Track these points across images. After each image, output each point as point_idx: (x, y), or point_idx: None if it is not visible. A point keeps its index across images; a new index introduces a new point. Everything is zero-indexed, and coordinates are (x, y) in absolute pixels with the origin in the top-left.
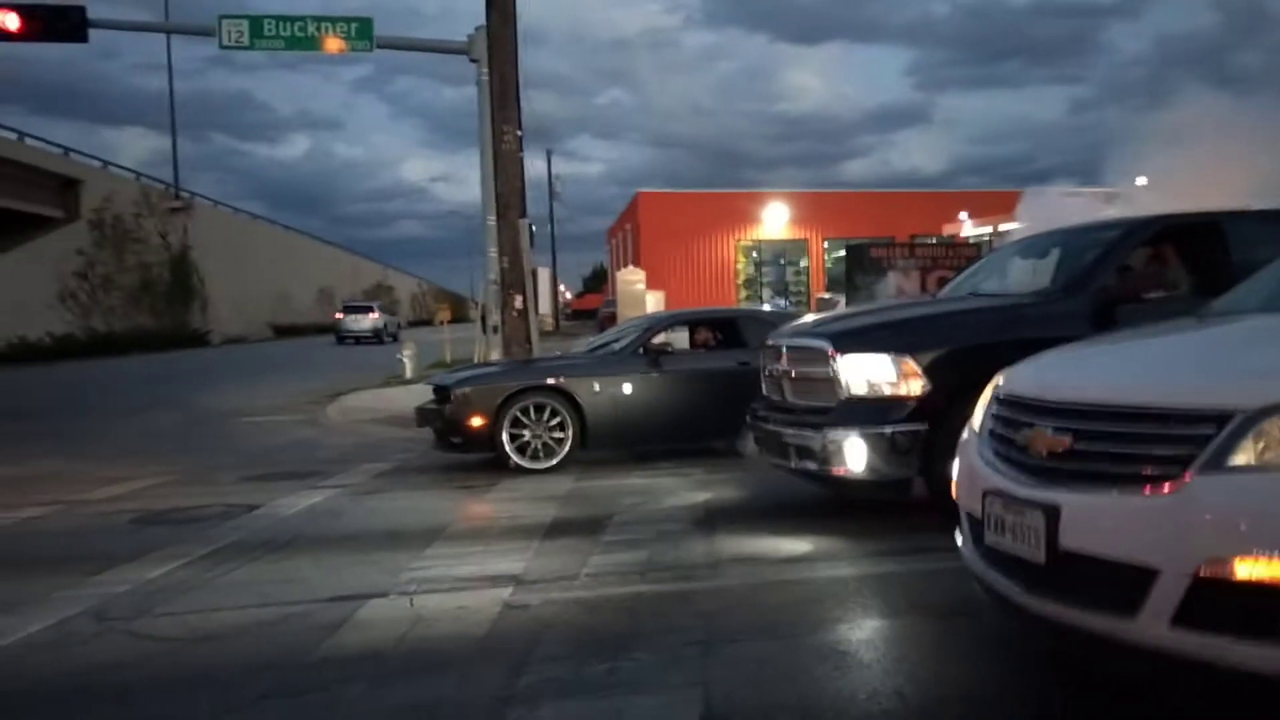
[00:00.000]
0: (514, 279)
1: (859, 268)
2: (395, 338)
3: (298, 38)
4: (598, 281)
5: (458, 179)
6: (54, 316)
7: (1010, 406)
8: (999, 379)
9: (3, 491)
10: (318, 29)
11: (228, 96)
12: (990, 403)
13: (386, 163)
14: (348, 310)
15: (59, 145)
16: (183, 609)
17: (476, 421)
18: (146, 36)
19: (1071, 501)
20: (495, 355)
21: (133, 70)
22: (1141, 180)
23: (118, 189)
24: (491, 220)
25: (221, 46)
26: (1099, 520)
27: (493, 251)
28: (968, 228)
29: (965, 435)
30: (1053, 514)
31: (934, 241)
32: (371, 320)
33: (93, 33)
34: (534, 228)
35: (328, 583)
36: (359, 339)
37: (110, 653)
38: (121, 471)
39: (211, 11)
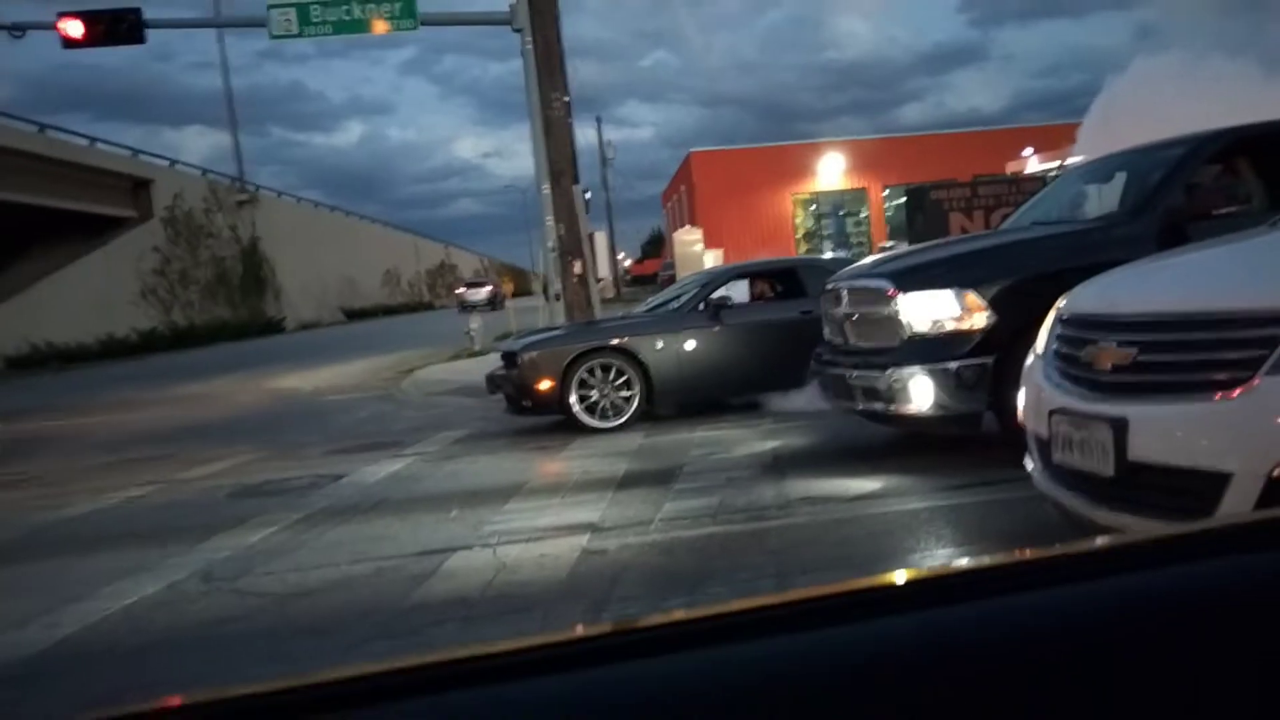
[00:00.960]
0: (571, 245)
1: (920, 212)
2: (503, 305)
3: (344, 21)
4: (656, 247)
5: (510, 153)
6: (137, 313)
7: (1075, 325)
8: (1063, 300)
9: (106, 475)
10: (363, 10)
11: (281, 89)
12: (1054, 324)
13: (439, 142)
14: (469, 285)
15: (127, 147)
16: (282, 569)
17: (545, 384)
18: (198, 36)
19: (1139, 413)
20: (559, 320)
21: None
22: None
23: (186, 186)
24: (546, 189)
25: (272, 36)
26: (1168, 430)
27: (549, 220)
28: (1033, 164)
29: (1030, 360)
30: (1120, 427)
31: (998, 180)
32: (487, 292)
33: (150, 34)
34: (588, 194)
35: (415, 539)
36: (476, 307)
37: (218, 609)
38: (216, 451)
39: (257, 6)
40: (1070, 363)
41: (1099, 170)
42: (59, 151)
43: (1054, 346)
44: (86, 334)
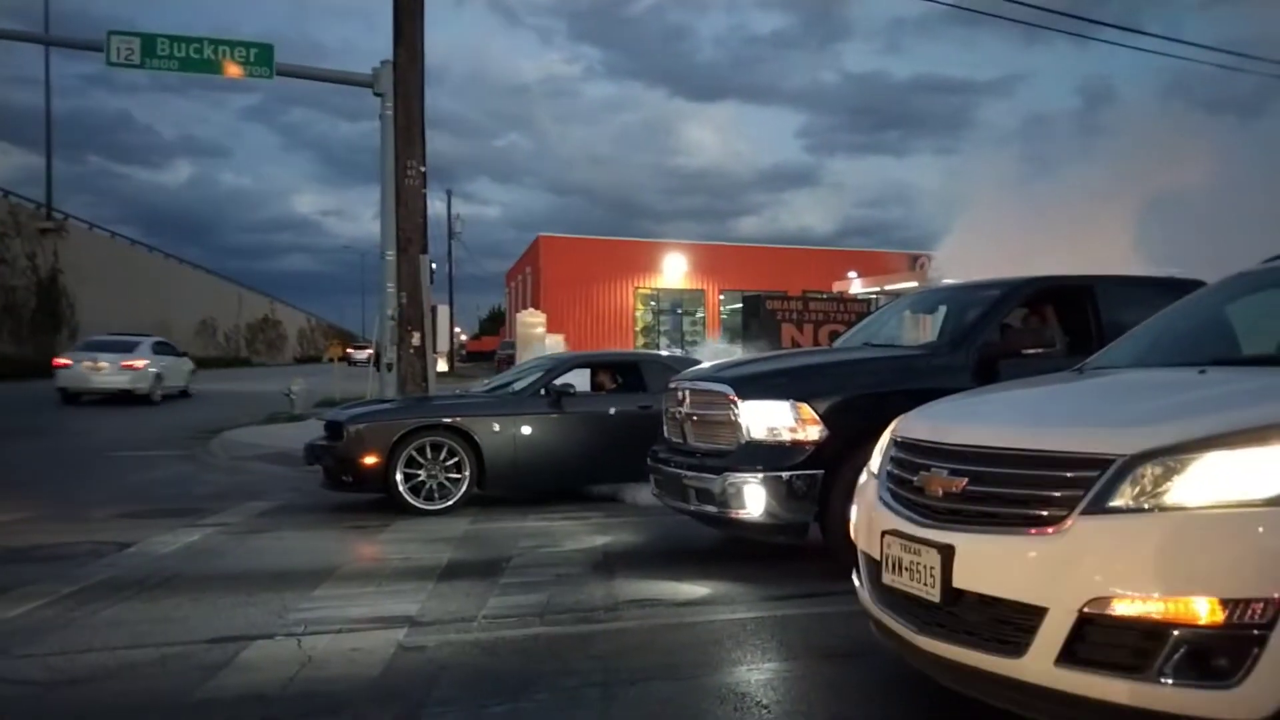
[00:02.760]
0: (413, 315)
1: (755, 319)
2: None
3: (193, 59)
4: (494, 324)
5: (351, 214)
6: None
7: (907, 450)
8: (896, 424)
9: None
10: (215, 52)
11: (106, 117)
12: (888, 447)
13: (276, 194)
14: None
15: None
16: (46, 650)
17: (370, 459)
18: (17, 49)
19: (965, 541)
20: (389, 393)
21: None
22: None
23: None
24: (391, 255)
25: (109, 63)
26: (990, 560)
27: (391, 287)
28: (856, 285)
29: (863, 479)
30: (948, 553)
31: (825, 297)
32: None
33: None
34: (434, 265)
35: (208, 623)
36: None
37: None
38: None
39: (94, 27)
40: (903, 486)
41: (923, 301)
42: None
43: (888, 469)
44: None
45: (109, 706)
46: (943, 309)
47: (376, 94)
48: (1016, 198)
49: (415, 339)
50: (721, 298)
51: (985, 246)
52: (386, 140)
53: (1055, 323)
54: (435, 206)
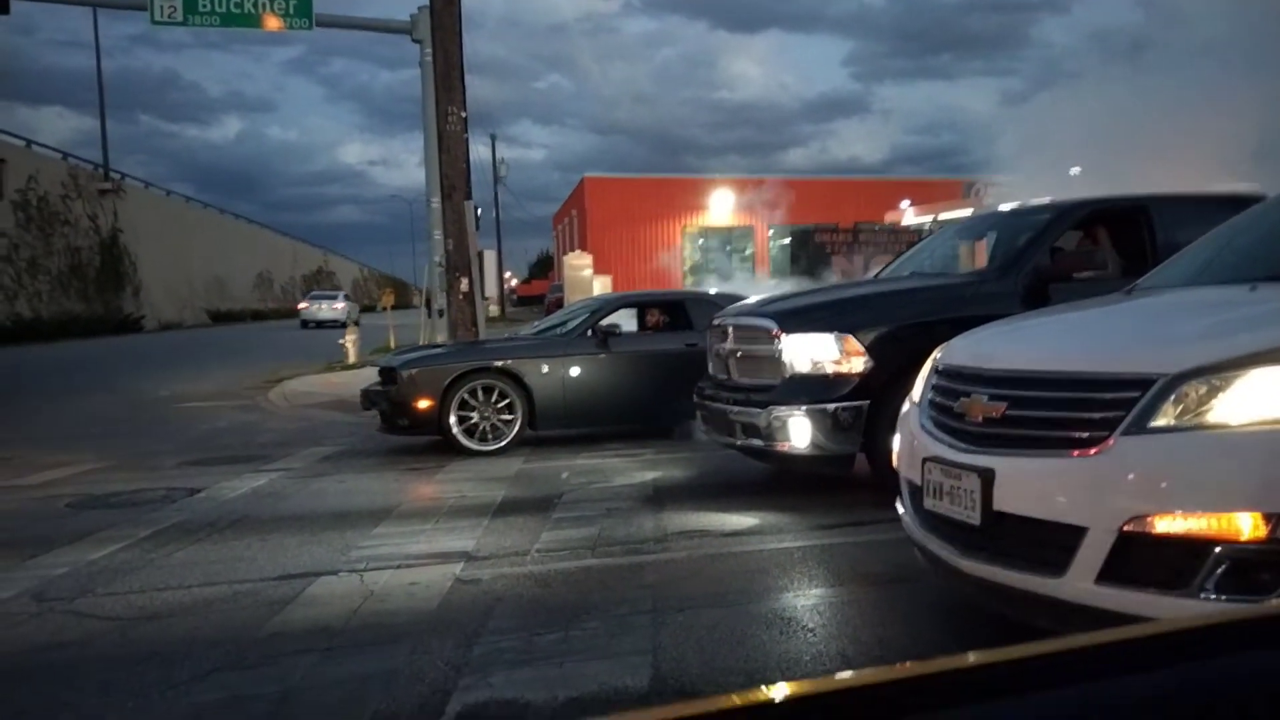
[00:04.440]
0: (459, 261)
1: (805, 253)
2: (357, 322)
3: (234, 14)
4: (543, 268)
5: (396, 162)
6: None
7: (949, 377)
8: (938, 352)
9: None
10: (255, 5)
11: (153, 76)
12: (930, 375)
13: (322, 146)
14: (313, 298)
15: None
16: (126, 589)
17: (423, 403)
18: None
19: (1005, 465)
20: (441, 339)
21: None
22: (1075, 170)
23: (43, 169)
24: (436, 202)
25: (153, 22)
26: (1030, 482)
27: (438, 234)
28: (909, 215)
29: (906, 407)
30: (988, 477)
31: (877, 228)
32: (340, 307)
33: (14, 6)
34: (479, 211)
35: (275, 562)
36: (320, 324)
37: (51, 632)
38: (57, 457)
39: None
40: (944, 413)
41: (972, 228)
42: None
43: (929, 396)
44: None
45: (185, 639)
46: (992, 235)
47: (415, 40)
48: (1081, 116)
49: (464, 285)
50: (770, 233)
51: (1051, 169)
52: (427, 87)
53: (1109, 245)
54: (479, 152)
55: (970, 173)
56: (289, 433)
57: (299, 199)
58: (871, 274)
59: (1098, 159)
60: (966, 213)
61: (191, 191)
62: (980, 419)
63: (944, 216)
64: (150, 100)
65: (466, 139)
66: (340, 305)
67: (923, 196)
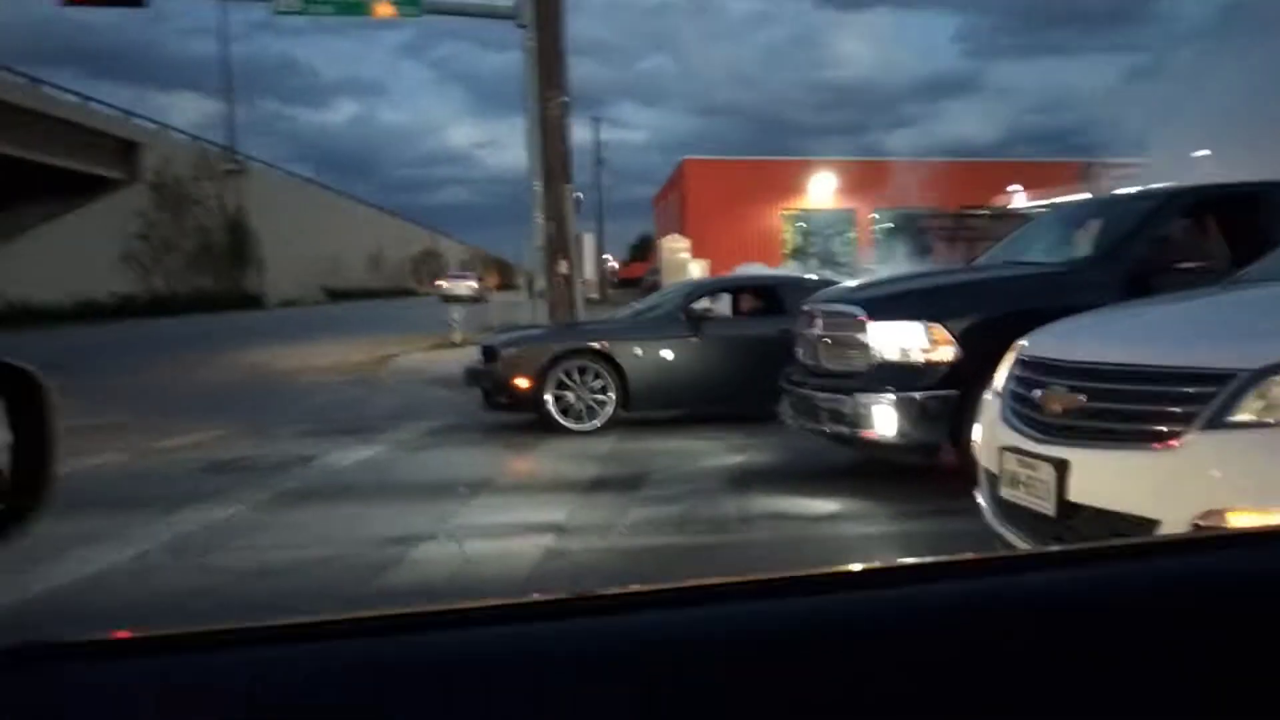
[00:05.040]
0: (559, 244)
1: (906, 238)
2: (487, 300)
3: (349, 3)
4: (643, 250)
5: (502, 145)
6: (117, 277)
7: (1030, 368)
8: (1023, 342)
9: (75, 441)
10: None
11: (273, 61)
12: (1013, 365)
13: (431, 128)
14: (453, 276)
15: (120, 109)
16: (247, 546)
17: (522, 382)
18: (195, 1)
19: (1080, 457)
20: (542, 319)
21: (181, 35)
22: (1203, 152)
23: (175, 152)
24: (537, 186)
25: (276, 13)
26: (1105, 474)
27: (539, 217)
28: (1019, 200)
29: (988, 396)
30: (1062, 468)
31: (984, 213)
32: (470, 285)
33: None
34: (580, 196)
35: (380, 527)
36: (459, 300)
37: (186, 582)
38: (188, 424)
39: None
40: (1023, 403)
41: (1075, 214)
42: (50, 107)
43: (1010, 386)
44: (63, 294)
45: (297, 594)
46: (1095, 221)
47: (519, 25)
48: (1213, 94)
49: (563, 267)
50: (873, 217)
51: (1178, 151)
52: (529, 72)
53: (1218, 235)
54: (580, 134)
55: (1089, 155)
56: (397, 407)
57: (408, 180)
58: (970, 262)
59: (1230, 141)
60: (1083, 198)
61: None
62: (1058, 410)
63: (1058, 200)
64: (270, 84)
65: (568, 124)
66: (473, 283)
67: (1036, 180)
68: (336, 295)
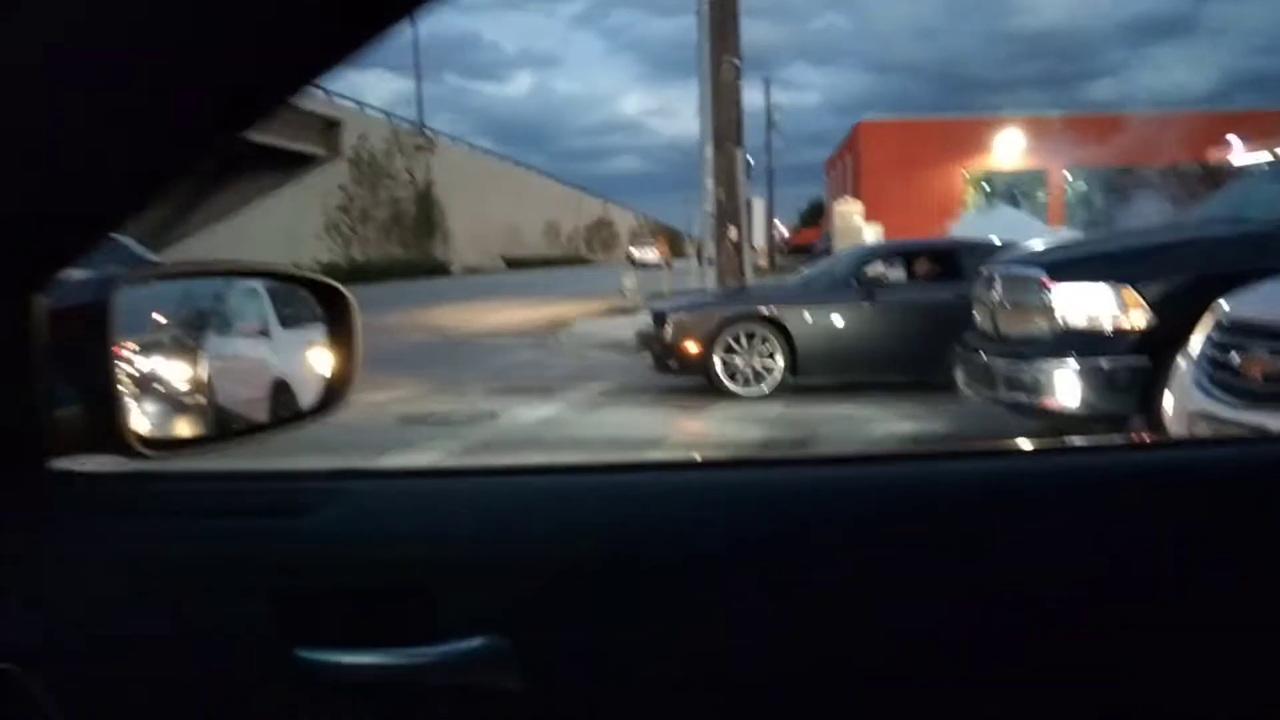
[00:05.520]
0: (729, 210)
1: (1106, 200)
2: (670, 265)
3: None
4: (815, 216)
5: (672, 112)
6: (320, 246)
7: (1230, 331)
8: (1224, 303)
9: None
10: None
11: (455, 37)
12: (1211, 328)
13: (604, 97)
14: (639, 245)
15: (322, 88)
16: None
17: (692, 347)
18: None
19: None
20: (711, 286)
21: None
22: None
23: (371, 128)
24: (708, 151)
25: None
26: None
27: (709, 183)
28: (1239, 154)
29: (1181, 362)
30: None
31: (1197, 170)
32: (654, 253)
33: None
34: (750, 159)
35: None
36: (646, 265)
37: None
38: (385, 379)
39: None
40: (1220, 368)
41: None
42: None
43: (1206, 350)
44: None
45: None
46: None
47: None
48: None
49: (732, 233)
50: (1068, 178)
51: None
52: (702, 35)
53: None
54: (751, 98)
55: None
56: (573, 368)
57: (582, 150)
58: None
59: None
60: None
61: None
62: (1259, 375)
63: None
64: (454, 60)
65: (739, 87)
66: (657, 251)
67: (1261, 130)
68: (514, 264)
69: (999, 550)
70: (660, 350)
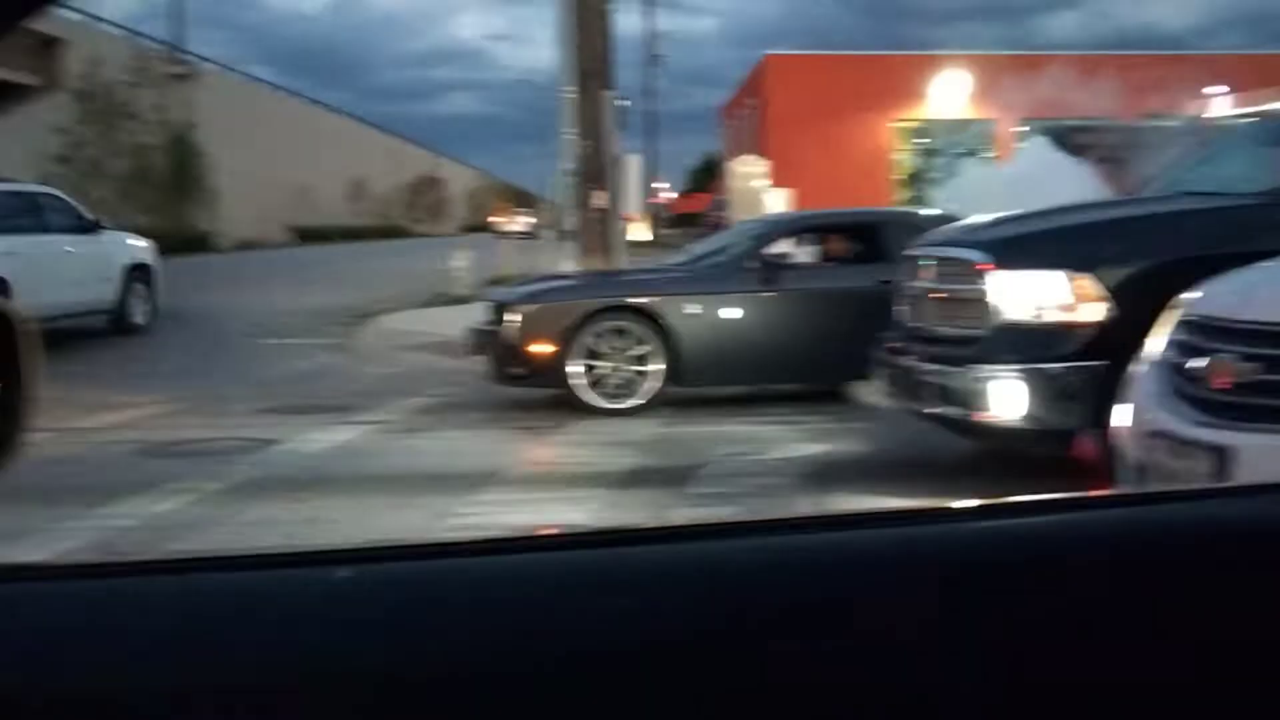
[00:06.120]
0: (595, 169)
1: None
2: (539, 236)
3: None
4: (708, 176)
5: (521, 39)
6: None
7: (1194, 330)
8: (1190, 296)
9: None
10: None
11: None
12: (1175, 326)
13: (431, 16)
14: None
15: None
16: (195, 547)
17: (543, 348)
18: None
19: (1249, 444)
20: (569, 267)
21: None
22: None
23: (107, 51)
24: (570, 93)
25: None
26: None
27: (570, 133)
28: (1221, 107)
29: (1138, 368)
30: (1224, 458)
31: (1171, 125)
32: (524, 222)
33: None
34: (625, 103)
35: (359, 526)
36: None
37: None
38: (122, 397)
39: None
40: (1181, 375)
41: (1274, 129)
42: None
43: (1168, 355)
44: None
45: None
46: None
47: None
48: None
49: (599, 199)
50: (1021, 130)
51: None
52: None
53: None
54: (629, 23)
55: None
56: (382, 378)
57: (402, 85)
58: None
59: None
60: None
61: (273, 76)
62: (1225, 384)
63: (1271, 109)
64: None
65: (609, 11)
66: (529, 220)
67: (1248, 79)
68: (307, 235)
69: (1030, 621)
70: (500, 353)
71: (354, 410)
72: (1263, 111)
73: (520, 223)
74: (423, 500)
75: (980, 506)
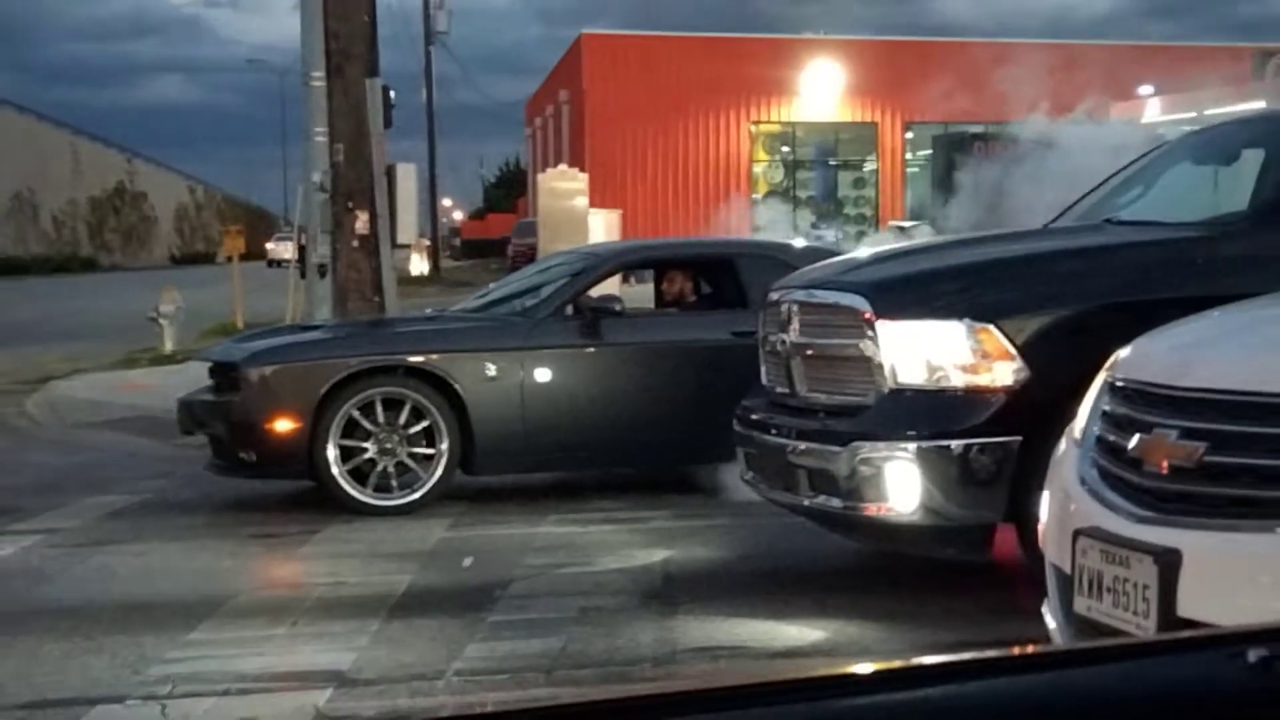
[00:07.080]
0: (354, 182)
1: (957, 172)
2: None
3: None
4: (509, 192)
5: (254, 6)
6: None
7: (1126, 399)
8: (1117, 359)
9: None
10: None
11: None
12: (1100, 394)
13: None
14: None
15: None
16: None
17: (284, 425)
18: None
19: (1198, 544)
20: (323, 313)
21: None
22: None
23: None
24: (318, 79)
25: None
26: (1235, 573)
27: (320, 134)
28: (1153, 109)
29: (1062, 448)
30: (1170, 563)
31: (1091, 129)
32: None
33: None
34: (393, 94)
35: (29, 680)
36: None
37: None
38: None
39: None
40: (1114, 457)
41: (1222, 143)
42: None
43: (1096, 431)
44: None
45: None
46: (1256, 154)
47: None
48: None
49: (360, 222)
50: (909, 136)
51: None
52: None
53: None
54: None
55: (1271, 36)
56: (59, 469)
57: (86, 66)
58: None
59: None
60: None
61: None
62: (1166, 467)
63: (1215, 111)
64: None
65: None
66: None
67: (1181, 75)
68: None
69: None
70: (226, 432)
71: (18, 515)
72: (1207, 119)
73: (293, 249)
74: (117, 641)
75: (876, 673)
